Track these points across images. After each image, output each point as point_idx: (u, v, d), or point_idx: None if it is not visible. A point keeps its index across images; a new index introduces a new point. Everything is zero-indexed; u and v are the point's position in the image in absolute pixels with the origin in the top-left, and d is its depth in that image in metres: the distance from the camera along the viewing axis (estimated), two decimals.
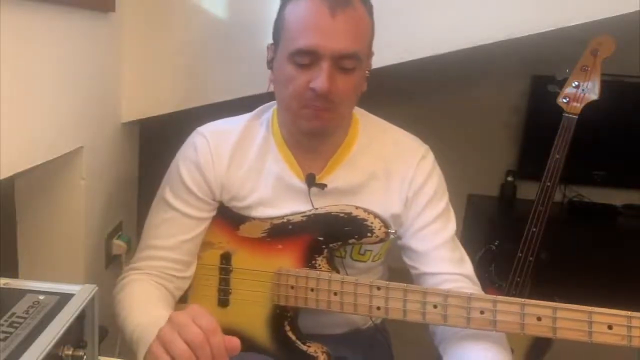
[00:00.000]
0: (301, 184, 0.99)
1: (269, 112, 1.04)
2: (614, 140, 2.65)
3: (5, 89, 0.81)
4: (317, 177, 0.99)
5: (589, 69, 1.45)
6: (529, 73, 2.69)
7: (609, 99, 1.47)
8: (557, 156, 1.49)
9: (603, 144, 2.62)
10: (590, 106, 1.46)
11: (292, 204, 0.99)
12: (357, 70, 0.90)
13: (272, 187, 1.00)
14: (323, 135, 0.96)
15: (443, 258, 0.98)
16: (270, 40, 0.96)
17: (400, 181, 1.00)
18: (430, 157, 1.03)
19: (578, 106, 1.46)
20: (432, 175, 1.01)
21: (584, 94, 1.46)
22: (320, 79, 0.86)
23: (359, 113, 1.04)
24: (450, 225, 1.01)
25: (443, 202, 1.01)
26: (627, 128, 2.65)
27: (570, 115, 1.48)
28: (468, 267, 1.00)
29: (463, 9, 1.24)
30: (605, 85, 1.44)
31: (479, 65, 2.39)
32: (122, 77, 1.32)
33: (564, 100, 1.48)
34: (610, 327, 0.79)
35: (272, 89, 0.97)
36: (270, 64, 0.96)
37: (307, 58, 0.87)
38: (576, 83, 1.47)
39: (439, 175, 1.03)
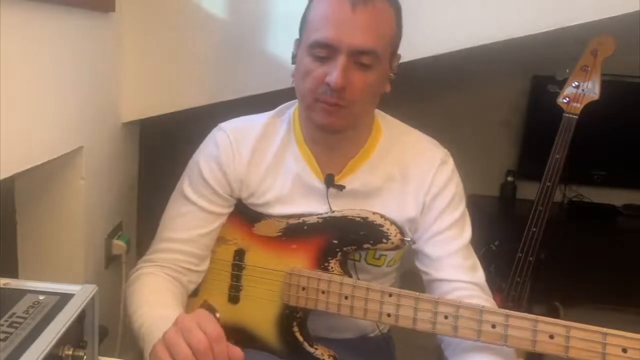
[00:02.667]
0: (319, 184, 0.98)
1: (291, 109, 1.04)
2: (614, 140, 2.65)
3: (5, 89, 0.81)
4: (336, 177, 0.98)
5: (589, 69, 1.45)
6: (529, 73, 2.69)
7: (609, 99, 1.47)
8: (557, 156, 1.49)
9: (603, 144, 2.62)
10: (590, 106, 1.46)
11: (309, 203, 0.99)
12: (375, 68, 0.88)
13: (290, 185, 0.99)
14: (338, 133, 0.95)
15: (456, 265, 0.97)
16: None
17: (418, 185, 0.99)
18: (450, 162, 1.02)
19: (578, 106, 1.46)
20: (450, 181, 1.00)
21: (584, 94, 1.46)
22: (334, 74, 0.85)
23: (380, 115, 1.03)
24: (466, 233, 1.00)
25: (460, 209, 1.00)
26: (627, 128, 2.64)
27: (570, 115, 1.48)
28: (480, 276, 0.99)
29: (463, 9, 1.24)
30: (605, 85, 1.44)
31: (479, 65, 2.39)
32: (122, 77, 1.32)
33: (564, 100, 1.48)
34: (624, 351, 0.77)
35: (294, 84, 0.97)
36: (294, 58, 0.96)
37: (325, 51, 0.87)
38: (576, 83, 1.47)
39: (457, 181, 1.02)
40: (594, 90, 1.45)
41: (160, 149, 1.20)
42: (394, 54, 0.94)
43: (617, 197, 2.82)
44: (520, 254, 1.55)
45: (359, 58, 0.86)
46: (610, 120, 2.38)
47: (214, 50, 1.35)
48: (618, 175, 2.76)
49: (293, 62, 0.96)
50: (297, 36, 0.95)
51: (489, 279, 1.00)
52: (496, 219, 2.71)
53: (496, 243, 1.86)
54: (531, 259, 1.54)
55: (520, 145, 2.82)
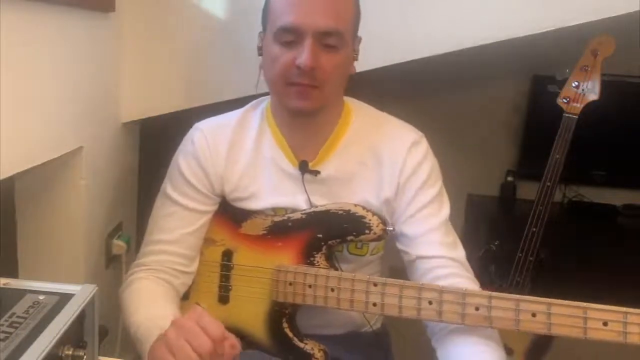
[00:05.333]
0: (294, 170, 1.00)
1: (265, 101, 1.06)
2: (614, 140, 2.64)
3: (6, 89, 0.81)
4: (310, 164, 1.00)
5: (589, 69, 1.45)
6: (529, 73, 2.69)
7: (609, 99, 1.47)
8: (557, 156, 1.49)
9: (603, 144, 2.61)
10: (590, 106, 1.46)
11: (289, 191, 1.00)
12: (341, 49, 0.91)
13: (269, 174, 1.01)
14: (310, 116, 0.97)
15: (435, 241, 0.97)
16: None
17: (391, 167, 1.00)
18: (423, 143, 1.02)
19: (578, 106, 1.47)
20: (424, 162, 1.00)
21: (584, 94, 1.46)
22: (304, 56, 0.87)
23: (352, 102, 1.05)
24: (444, 210, 1.00)
25: (435, 187, 1.00)
26: (627, 128, 2.64)
27: (571, 115, 1.48)
28: (460, 253, 0.99)
29: (463, 9, 1.24)
30: (605, 85, 1.44)
31: (479, 65, 2.39)
32: (122, 77, 1.32)
33: (564, 100, 1.48)
34: (605, 324, 0.79)
35: (262, 78, 0.99)
36: (260, 50, 0.98)
37: (291, 35, 0.89)
38: (576, 83, 1.47)
39: (431, 161, 1.02)
40: (594, 90, 1.45)
41: (160, 149, 1.20)
42: (355, 35, 0.96)
43: (617, 197, 2.81)
44: (520, 254, 1.55)
45: (324, 40, 0.88)
46: (610, 120, 2.38)
47: (214, 51, 1.35)
48: (618, 175, 2.76)
49: (259, 54, 0.98)
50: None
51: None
52: (496, 219, 2.70)
53: (496, 243, 1.86)
54: (531, 258, 1.54)
55: (520, 145, 2.81)
